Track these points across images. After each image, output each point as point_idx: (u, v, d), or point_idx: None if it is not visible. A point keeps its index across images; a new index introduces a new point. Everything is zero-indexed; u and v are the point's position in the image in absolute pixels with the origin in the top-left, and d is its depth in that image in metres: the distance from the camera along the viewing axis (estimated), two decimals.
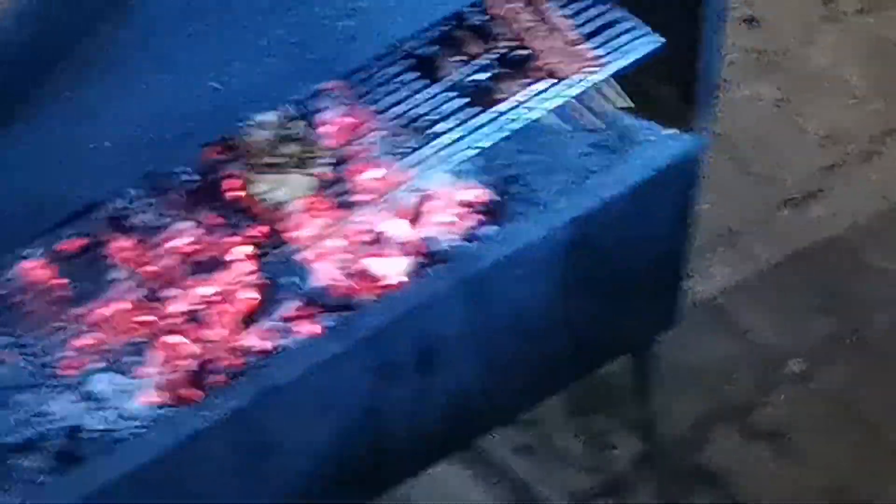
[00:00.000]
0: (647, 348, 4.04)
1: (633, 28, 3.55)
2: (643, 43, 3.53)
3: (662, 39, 3.53)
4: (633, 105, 3.69)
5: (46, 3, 2.83)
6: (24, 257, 3.34)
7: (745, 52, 5.07)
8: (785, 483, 4.35)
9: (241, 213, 3.43)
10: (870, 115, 4.99)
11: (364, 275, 3.46)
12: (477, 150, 3.49)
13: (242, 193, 3.44)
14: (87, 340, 3.28)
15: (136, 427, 3.26)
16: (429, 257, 3.50)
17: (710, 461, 4.31)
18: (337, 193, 3.47)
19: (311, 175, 3.43)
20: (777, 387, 4.45)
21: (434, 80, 3.52)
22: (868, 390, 4.49)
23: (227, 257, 3.40)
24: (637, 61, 3.57)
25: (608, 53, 3.54)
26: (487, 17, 3.62)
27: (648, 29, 3.57)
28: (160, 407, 3.31)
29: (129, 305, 3.32)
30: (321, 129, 3.53)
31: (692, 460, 4.32)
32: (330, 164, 3.48)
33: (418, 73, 3.53)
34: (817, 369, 4.49)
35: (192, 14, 2.94)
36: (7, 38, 2.84)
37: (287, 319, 3.37)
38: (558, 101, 3.52)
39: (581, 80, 3.54)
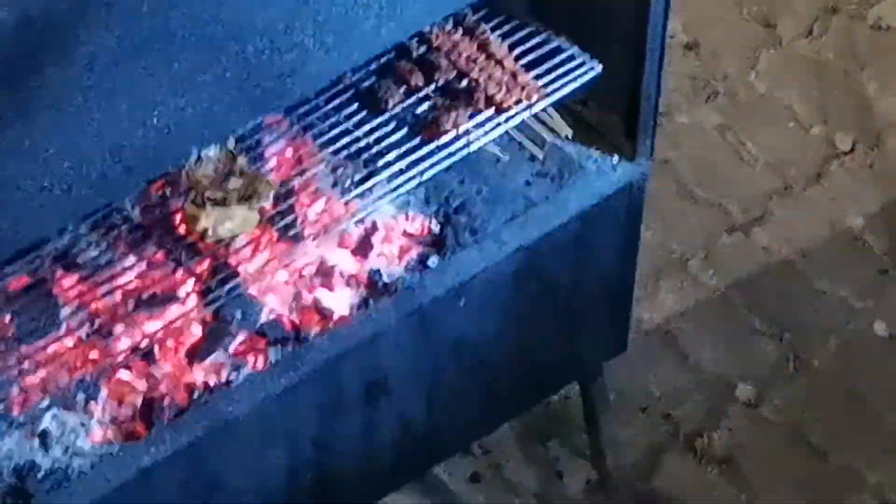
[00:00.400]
0: (597, 375, 4.04)
1: (574, 57, 3.57)
2: (584, 71, 3.56)
3: (602, 67, 3.57)
4: (572, 133, 3.68)
5: None
6: None
7: (687, 79, 5.02)
8: None
9: (186, 249, 3.42)
10: (812, 140, 5.00)
11: (311, 308, 3.47)
12: (420, 182, 3.52)
13: (187, 229, 3.42)
14: (35, 378, 3.26)
15: (87, 465, 3.26)
16: (375, 289, 3.50)
17: (661, 488, 4.38)
18: (282, 227, 3.47)
19: (256, 209, 3.41)
20: (726, 413, 4.50)
21: (376, 112, 3.54)
22: (814, 414, 4.56)
23: (174, 293, 3.39)
24: (578, 89, 3.59)
25: (549, 83, 3.56)
26: (428, 49, 3.64)
27: (588, 57, 3.59)
28: (110, 444, 3.30)
29: (76, 343, 3.32)
30: (265, 163, 3.54)
31: (643, 487, 4.38)
32: (274, 197, 3.47)
33: (360, 105, 3.56)
34: (766, 394, 4.56)
35: (132, 52, 2.97)
36: None
37: (235, 354, 3.38)
38: (500, 132, 3.55)
39: (522, 110, 3.57)
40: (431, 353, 3.66)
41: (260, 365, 3.41)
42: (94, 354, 3.36)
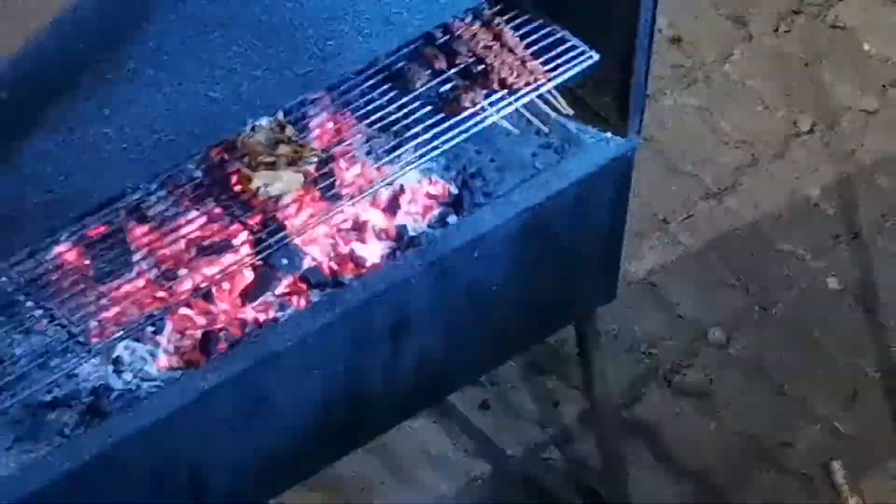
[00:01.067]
0: (589, 319, 4.03)
1: (575, 47, 3.57)
2: (583, 59, 3.56)
3: (599, 56, 3.56)
4: (572, 112, 3.68)
5: (75, 25, 2.81)
6: (56, 242, 3.37)
7: (671, 68, 5.06)
8: (707, 433, 4.42)
9: (241, 205, 3.45)
10: (777, 121, 5.03)
11: (347, 257, 3.49)
12: (441, 151, 3.52)
13: (242, 188, 3.45)
14: (110, 313, 3.31)
15: (153, 387, 3.31)
16: (401, 242, 3.52)
17: (643, 415, 4.40)
18: (323, 188, 3.49)
19: (301, 172, 3.41)
20: (700, 352, 4.52)
21: (405, 91, 3.56)
22: (775, 355, 4.57)
23: (230, 242, 3.41)
24: (578, 75, 3.60)
25: (554, 68, 3.57)
26: (451, 38, 3.64)
27: (588, 47, 3.59)
28: (173, 370, 3.34)
29: (146, 283, 3.36)
30: (309, 133, 3.55)
31: (627, 414, 4.38)
32: (317, 162, 3.47)
33: (391, 85, 3.57)
34: (734, 337, 4.58)
35: (198, 34, 2.97)
36: (40, 54, 2.82)
37: (281, 295, 3.41)
38: (510, 109, 3.56)
39: (530, 91, 3.58)
40: (449, 297, 3.65)
41: (302, 305, 3.45)
42: (160, 294, 3.39)
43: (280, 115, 3.52)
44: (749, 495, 4.44)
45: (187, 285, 3.39)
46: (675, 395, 4.49)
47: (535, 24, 3.67)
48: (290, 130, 3.53)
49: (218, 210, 3.49)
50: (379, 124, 3.58)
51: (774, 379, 4.56)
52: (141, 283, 3.38)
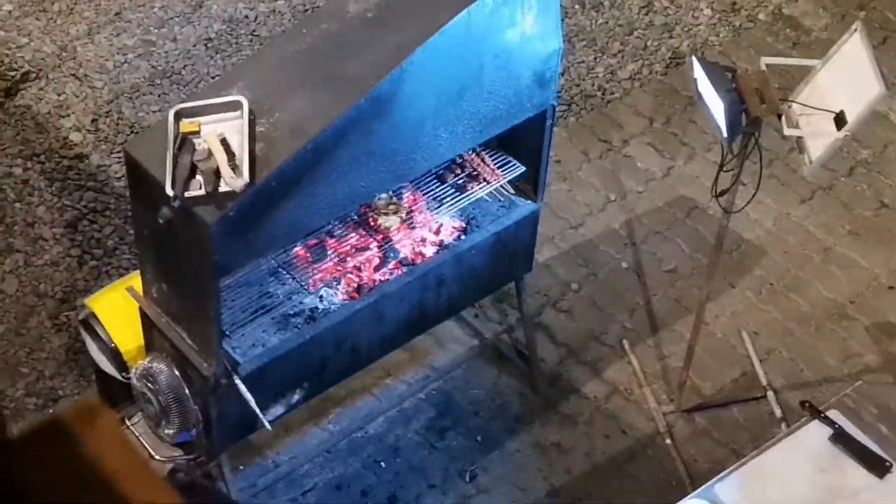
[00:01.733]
0: (521, 279, 4.14)
1: (515, 163, 3.86)
2: (517, 168, 3.84)
3: (525, 168, 3.83)
4: (514, 192, 3.91)
5: (325, 141, 3.11)
6: (295, 245, 3.62)
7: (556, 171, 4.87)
8: (571, 325, 4.56)
9: (373, 231, 3.75)
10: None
11: (418, 253, 3.79)
12: (459, 207, 3.82)
13: (374, 223, 3.76)
14: (318, 276, 3.63)
15: (336, 308, 3.64)
16: (441, 247, 3.80)
17: (542, 321, 4.52)
18: (408, 223, 3.76)
19: (399, 216, 3.77)
20: (568, 294, 4.66)
21: (442, 182, 3.86)
22: (603, 294, 4.63)
23: (368, 246, 3.72)
24: (516, 176, 3.86)
25: (505, 173, 3.85)
26: (462, 160, 3.87)
27: (519, 164, 3.84)
28: (344, 301, 3.65)
29: (333, 264, 3.66)
30: (402, 200, 3.81)
31: (538, 321, 4.49)
32: (406, 212, 3.79)
33: (435, 179, 3.86)
34: (582, 287, 4.68)
35: (355, 156, 3.23)
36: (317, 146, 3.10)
37: (391, 269, 3.74)
38: (487, 191, 3.83)
39: (494, 184, 3.84)
40: (461, 269, 3.84)
41: (399, 273, 3.71)
42: (339, 268, 3.66)
43: (390, 192, 3.75)
44: (588, 353, 4.45)
45: (351, 265, 3.66)
46: (556, 312, 4.57)
47: (497, 152, 3.87)
48: (394, 198, 3.78)
49: (363, 233, 3.72)
50: (431, 195, 3.81)
51: (600, 305, 4.61)
52: (331, 264, 3.65)
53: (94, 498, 0.80)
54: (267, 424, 3.45)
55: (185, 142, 3.00)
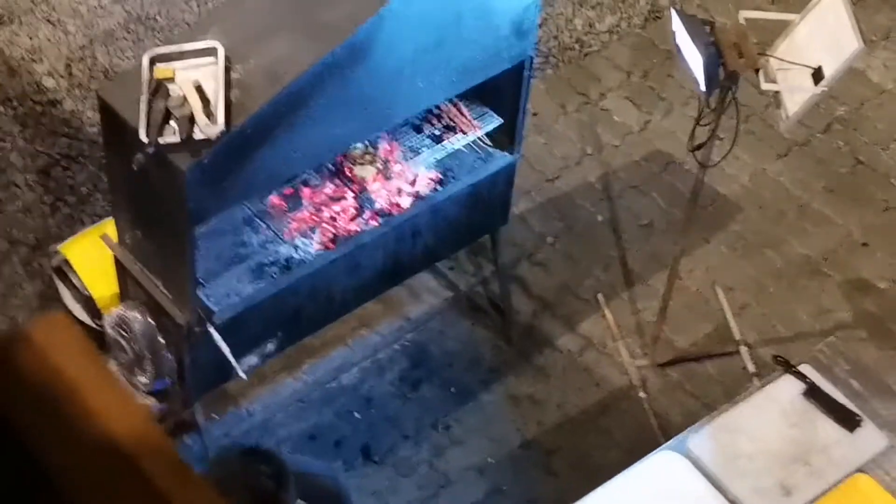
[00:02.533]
0: (496, 231, 4.16)
1: (492, 115, 3.85)
2: (495, 120, 3.85)
3: (502, 119, 3.83)
4: (491, 143, 3.90)
5: (301, 90, 3.08)
6: (270, 194, 3.61)
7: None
8: (546, 278, 4.57)
9: (348, 180, 3.71)
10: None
11: (394, 204, 3.76)
12: (436, 159, 3.81)
13: (350, 173, 3.73)
14: (293, 225, 3.61)
15: (312, 258, 3.61)
16: (417, 198, 3.77)
17: (517, 273, 4.54)
18: (384, 173, 3.75)
19: (375, 166, 3.74)
20: (543, 247, 4.66)
21: (420, 132, 3.83)
22: (576, 248, 4.65)
23: (344, 196, 3.69)
24: (493, 128, 3.84)
25: (483, 124, 3.85)
26: (439, 111, 3.85)
27: (496, 115, 3.84)
28: (319, 251, 3.62)
29: (309, 214, 3.64)
30: (378, 149, 3.79)
31: (511, 273, 4.51)
32: (381, 162, 3.77)
33: (413, 129, 3.83)
34: (557, 241, 4.67)
35: (330, 104, 3.17)
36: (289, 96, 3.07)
37: (367, 220, 3.71)
38: (464, 142, 3.83)
39: (472, 136, 3.84)
40: (437, 220, 3.84)
41: (375, 224, 3.70)
42: (314, 218, 3.64)
43: (366, 142, 3.73)
44: (562, 307, 4.47)
45: (326, 214, 3.65)
46: (531, 265, 4.58)
47: (474, 103, 3.85)
48: (370, 148, 3.75)
49: (339, 182, 3.69)
50: (408, 145, 3.79)
51: (575, 258, 4.62)
52: (306, 213, 3.63)
53: (58, 408, 0.80)
54: (241, 373, 3.45)
55: (159, 88, 2.98)
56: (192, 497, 0.79)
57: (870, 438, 3.27)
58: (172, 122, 2.95)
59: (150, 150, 2.92)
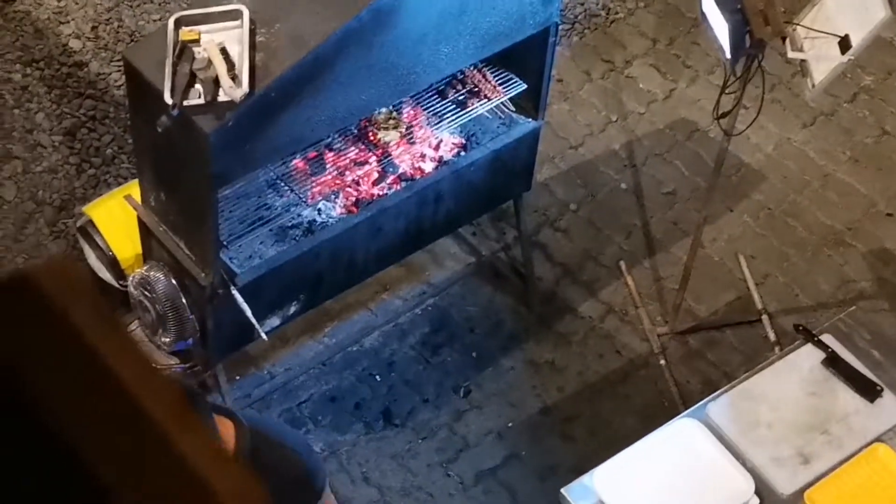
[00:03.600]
0: (519, 197, 4.17)
1: (516, 80, 3.82)
2: (519, 85, 3.82)
3: (526, 85, 3.80)
4: (514, 109, 3.89)
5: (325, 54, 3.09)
6: (294, 157, 3.60)
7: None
8: (566, 244, 4.56)
9: (372, 145, 3.72)
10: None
11: (417, 169, 3.77)
12: (459, 124, 3.80)
13: (374, 137, 3.73)
14: (317, 189, 3.60)
15: (335, 221, 3.63)
16: (440, 163, 3.79)
17: (540, 240, 4.53)
18: (408, 138, 3.75)
19: (399, 131, 3.74)
20: (566, 214, 4.67)
21: (443, 98, 3.82)
22: (599, 214, 4.61)
23: (367, 161, 3.69)
24: (517, 93, 3.83)
25: (507, 90, 3.82)
26: (463, 77, 3.84)
27: (521, 80, 3.82)
28: (342, 215, 3.64)
29: (332, 177, 3.63)
30: (402, 114, 3.78)
31: (535, 239, 4.52)
32: (406, 127, 3.76)
33: (437, 94, 3.83)
34: (580, 208, 4.62)
35: (356, 69, 3.20)
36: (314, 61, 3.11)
37: (389, 184, 3.73)
38: (488, 107, 3.81)
39: (495, 100, 3.81)
40: (460, 186, 3.84)
41: (398, 188, 3.72)
42: (338, 181, 3.64)
43: (390, 107, 3.73)
44: (584, 273, 4.47)
45: (350, 178, 3.65)
46: (554, 231, 4.58)
47: (499, 69, 3.83)
48: (394, 113, 3.75)
49: (363, 147, 3.69)
50: (431, 111, 3.78)
51: (598, 225, 4.62)
52: (329, 177, 3.62)
53: (60, 350, 0.78)
54: (263, 335, 3.46)
55: (184, 50, 2.97)
56: (191, 435, 0.79)
57: (890, 408, 3.25)
58: (197, 85, 2.95)
59: (175, 112, 2.92)
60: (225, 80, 2.94)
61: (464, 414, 4.08)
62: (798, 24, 3.49)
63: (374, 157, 3.68)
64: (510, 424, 4.06)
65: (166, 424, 0.79)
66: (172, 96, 2.92)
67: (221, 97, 2.94)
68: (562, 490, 3.04)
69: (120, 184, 4.24)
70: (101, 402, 0.79)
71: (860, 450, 3.15)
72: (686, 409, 3.41)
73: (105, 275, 3.75)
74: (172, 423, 0.78)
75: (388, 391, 4.10)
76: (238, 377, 4.05)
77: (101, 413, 0.79)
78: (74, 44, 4.82)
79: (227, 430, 2.24)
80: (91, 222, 3.74)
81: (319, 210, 3.62)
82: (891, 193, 4.72)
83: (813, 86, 3.44)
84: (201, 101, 2.95)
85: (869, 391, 3.28)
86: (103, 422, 0.79)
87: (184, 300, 3.41)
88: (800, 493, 3.07)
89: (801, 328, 3.41)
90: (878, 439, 3.19)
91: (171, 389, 0.81)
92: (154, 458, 0.80)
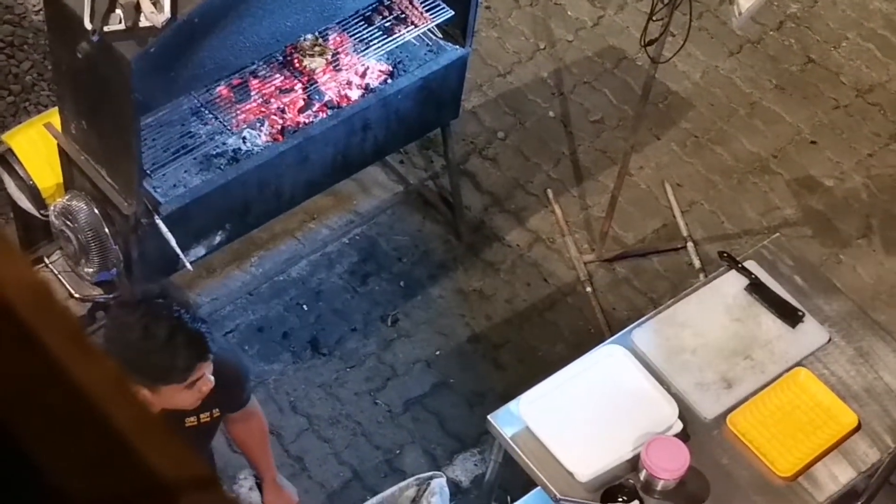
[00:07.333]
0: (447, 125, 4.16)
1: (443, 6, 3.83)
2: (446, 12, 3.82)
3: (454, 11, 3.81)
4: (442, 36, 3.90)
5: None
6: (218, 85, 3.60)
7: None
8: (494, 174, 4.59)
9: (298, 72, 3.71)
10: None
11: (343, 96, 3.77)
12: (386, 50, 3.78)
13: (299, 64, 3.73)
14: (241, 117, 3.59)
15: (260, 149, 3.61)
16: (367, 90, 3.78)
17: (468, 168, 4.56)
18: (334, 65, 3.74)
19: (325, 58, 3.73)
20: (494, 142, 4.67)
21: (370, 24, 3.82)
22: (527, 142, 4.63)
23: (293, 87, 3.68)
24: (445, 20, 3.84)
25: (434, 16, 3.82)
26: (390, 3, 3.85)
27: (448, 7, 3.82)
28: (267, 143, 3.61)
29: (256, 105, 3.62)
30: (328, 41, 3.78)
31: (462, 168, 4.54)
32: (331, 53, 3.76)
33: (364, 21, 3.81)
34: (508, 136, 4.65)
35: None
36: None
37: (315, 112, 3.71)
38: (415, 34, 3.82)
39: (423, 27, 3.82)
40: (387, 113, 3.84)
41: (324, 116, 3.69)
42: (263, 109, 3.63)
43: (316, 33, 3.71)
44: (512, 202, 4.48)
45: (275, 106, 3.63)
46: (482, 160, 4.62)
47: None
48: (320, 40, 3.74)
49: (288, 74, 3.67)
50: (358, 37, 3.77)
51: (526, 154, 4.65)
52: (254, 105, 3.61)
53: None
54: (188, 265, 3.45)
55: None
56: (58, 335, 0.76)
57: (811, 334, 3.31)
58: (118, 10, 2.90)
59: (95, 38, 2.89)
60: (146, 4, 2.91)
61: (392, 343, 4.09)
62: None
63: (299, 85, 3.65)
64: (438, 353, 4.09)
65: (44, 330, 0.76)
66: (92, 22, 2.89)
67: (143, 22, 2.90)
68: (488, 417, 3.06)
69: (40, 111, 4.17)
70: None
71: (782, 374, 3.20)
72: (612, 335, 3.44)
73: (26, 204, 3.71)
74: (69, 350, 0.76)
75: (316, 320, 4.10)
76: None
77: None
78: None
79: None
80: (10, 151, 3.66)
81: (244, 138, 3.59)
82: (815, 121, 4.80)
83: (739, 13, 3.46)
84: (122, 26, 2.91)
85: (791, 317, 3.34)
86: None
87: (107, 230, 3.38)
88: (722, 416, 3.12)
89: (725, 255, 3.45)
90: (800, 364, 3.24)
91: (69, 318, 0.78)
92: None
